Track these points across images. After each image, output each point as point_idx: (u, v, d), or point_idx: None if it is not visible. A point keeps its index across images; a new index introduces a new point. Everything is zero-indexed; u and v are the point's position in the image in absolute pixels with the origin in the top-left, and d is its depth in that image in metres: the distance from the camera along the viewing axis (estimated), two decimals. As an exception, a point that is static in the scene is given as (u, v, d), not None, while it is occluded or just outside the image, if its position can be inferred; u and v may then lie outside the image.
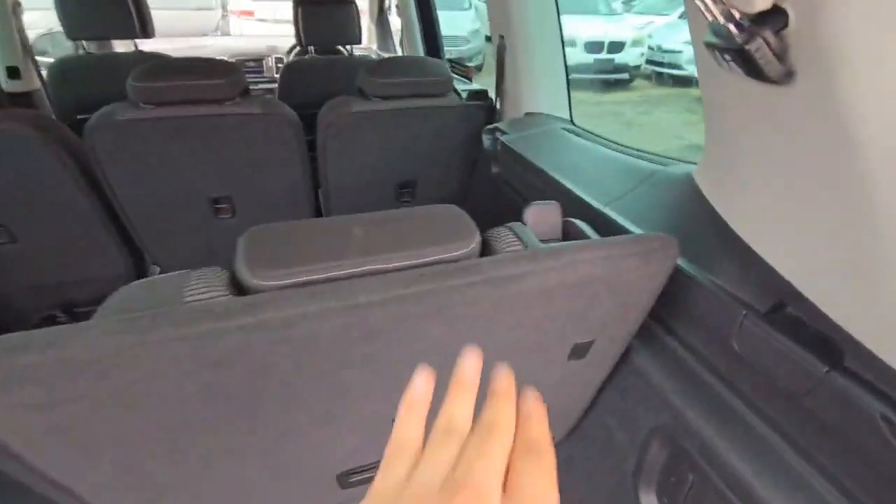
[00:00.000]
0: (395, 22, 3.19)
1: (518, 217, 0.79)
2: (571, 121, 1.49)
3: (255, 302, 0.51)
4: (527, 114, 1.50)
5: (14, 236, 1.44)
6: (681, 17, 8.64)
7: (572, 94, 1.52)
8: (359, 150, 1.59)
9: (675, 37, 7.22)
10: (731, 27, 0.52)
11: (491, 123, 1.57)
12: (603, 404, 0.95)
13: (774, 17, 0.49)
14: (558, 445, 0.68)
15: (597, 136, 1.33)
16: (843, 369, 0.56)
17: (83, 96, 1.76)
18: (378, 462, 0.28)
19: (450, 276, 0.56)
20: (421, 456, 0.27)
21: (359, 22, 2.34)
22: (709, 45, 0.59)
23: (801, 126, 0.55)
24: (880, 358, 0.53)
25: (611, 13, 8.43)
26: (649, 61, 7.04)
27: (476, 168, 1.59)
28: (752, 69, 0.53)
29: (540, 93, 1.49)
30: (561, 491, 0.26)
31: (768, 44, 0.51)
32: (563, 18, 1.43)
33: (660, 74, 6.92)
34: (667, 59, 6.76)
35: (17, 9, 1.98)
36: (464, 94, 1.65)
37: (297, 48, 2.88)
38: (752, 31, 0.51)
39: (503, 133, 1.41)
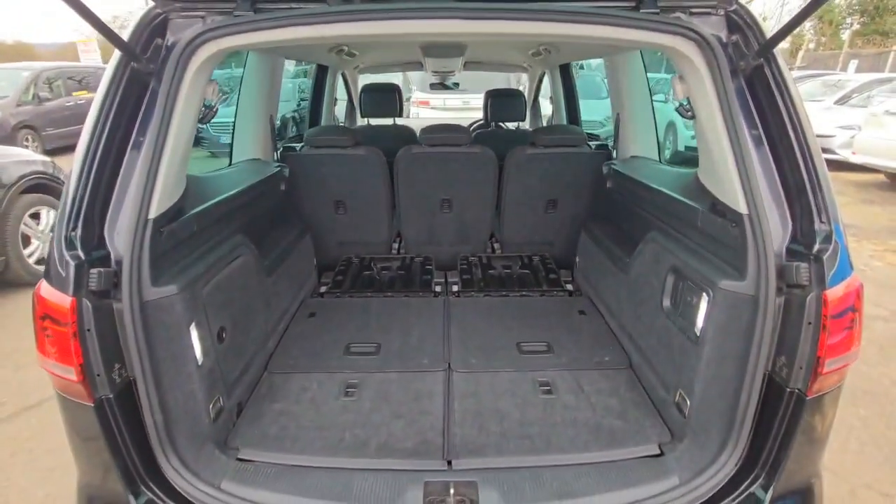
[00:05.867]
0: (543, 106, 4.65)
1: (624, 211, 1.97)
2: (659, 160, 2.45)
3: None
4: (632, 156, 2.48)
5: (347, 210, 2.76)
6: (837, 102, 8.88)
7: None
8: (527, 178, 2.67)
9: (828, 120, 7.79)
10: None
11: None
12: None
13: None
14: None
15: (668, 166, 2.29)
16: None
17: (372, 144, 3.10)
18: None
19: None
20: None
21: (525, 107, 3.65)
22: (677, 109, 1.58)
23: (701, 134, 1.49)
24: None
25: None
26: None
27: (599, 189, 2.57)
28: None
29: (639, 145, 2.47)
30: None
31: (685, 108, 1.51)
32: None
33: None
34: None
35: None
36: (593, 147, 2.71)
37: (480, 122, 4.44)
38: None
39: (615, 165, 2.39)
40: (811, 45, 25.18)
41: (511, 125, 4.04)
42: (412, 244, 2.96)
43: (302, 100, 8.74)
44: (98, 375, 1.18)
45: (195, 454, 1.35)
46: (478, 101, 6.78)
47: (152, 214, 1.29)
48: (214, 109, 1.48)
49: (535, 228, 2.88)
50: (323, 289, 2.65)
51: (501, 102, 3.64)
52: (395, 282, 2.66)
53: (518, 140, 2.98)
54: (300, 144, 2.70)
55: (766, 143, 1.30)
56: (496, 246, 3.11)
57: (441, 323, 2.21)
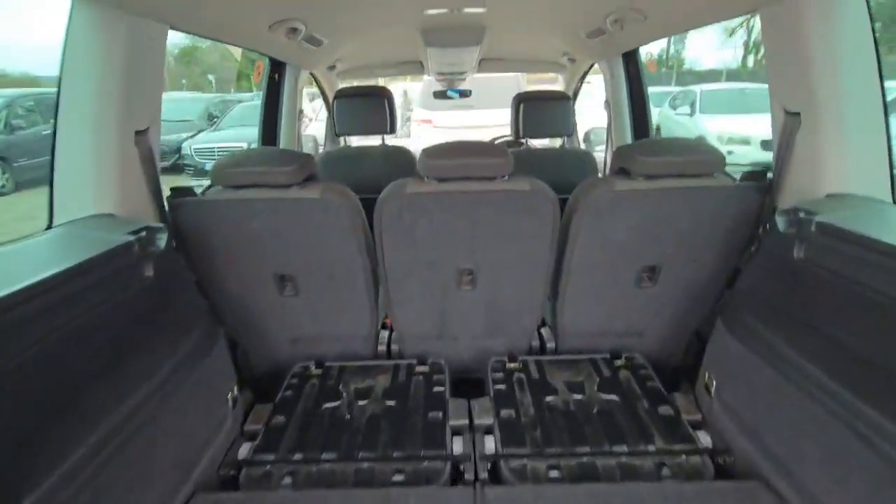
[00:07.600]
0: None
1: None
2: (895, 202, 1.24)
3: None
4: (829, 195, 1.27)
5: (298, 289, 1.57)
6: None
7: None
8: (611, 230, 1.46)
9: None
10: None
11: (762, 206, 1.40)
12: None
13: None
14: None
15: None
16: None
17: (347, 177, 1.90)
18: None
19: None
20: None
21: (572, 117, 2.48)
22: None
23: None
24: None
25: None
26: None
27: (757, 253, 1.38)
28: None
29: (851, 172, 1.26)
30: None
31: None
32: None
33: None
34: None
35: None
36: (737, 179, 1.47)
37: (502, 139, 3.38)
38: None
39: (810, 213, 1.18)
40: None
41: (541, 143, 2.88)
42: (409, 339, 1.77)
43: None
44: None
45: None
46: (494, 117, 5.60)
47: None
48: None
49: (617, 311, 1.69)
50: (245, 450, 1.43)
51: (538, 109, 2.46)
52: (380, 427, 1.43)
53: (581, 164, 1.82)
54: (204, 184, 1.52)
55: None
56: (542, 332, 1.90)
57: None
